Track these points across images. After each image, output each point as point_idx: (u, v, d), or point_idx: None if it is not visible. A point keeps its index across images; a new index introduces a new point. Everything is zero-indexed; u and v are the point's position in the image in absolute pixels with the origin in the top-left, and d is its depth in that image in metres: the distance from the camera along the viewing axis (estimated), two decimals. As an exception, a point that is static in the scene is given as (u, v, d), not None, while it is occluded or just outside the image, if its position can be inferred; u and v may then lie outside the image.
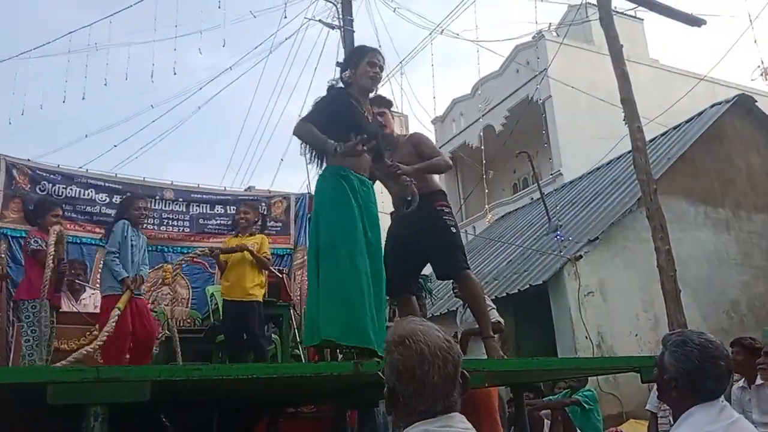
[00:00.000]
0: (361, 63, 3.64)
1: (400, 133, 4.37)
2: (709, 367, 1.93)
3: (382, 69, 3.73)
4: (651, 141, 11.00)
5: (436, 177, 4.21)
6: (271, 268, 5.90)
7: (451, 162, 4.19)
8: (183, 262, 6.19)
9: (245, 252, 5.42)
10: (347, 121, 3.50)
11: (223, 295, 5.51)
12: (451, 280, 5.84)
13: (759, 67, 9.51)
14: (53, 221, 5.27)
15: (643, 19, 18.46)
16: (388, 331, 1.48)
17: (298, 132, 3.58)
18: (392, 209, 4.12)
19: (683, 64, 23.12)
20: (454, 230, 4.03)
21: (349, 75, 3.64)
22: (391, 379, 1.40)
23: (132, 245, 5.17)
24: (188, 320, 6.33)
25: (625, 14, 14.54)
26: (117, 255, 5.07)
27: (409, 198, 3.67)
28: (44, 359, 4.82)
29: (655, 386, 5.59)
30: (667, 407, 5.42)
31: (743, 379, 4.72)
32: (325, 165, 3.58)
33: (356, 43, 11.34)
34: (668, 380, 2.00)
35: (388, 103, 4.22)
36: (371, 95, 3.84)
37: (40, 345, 4.83)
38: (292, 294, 6.77)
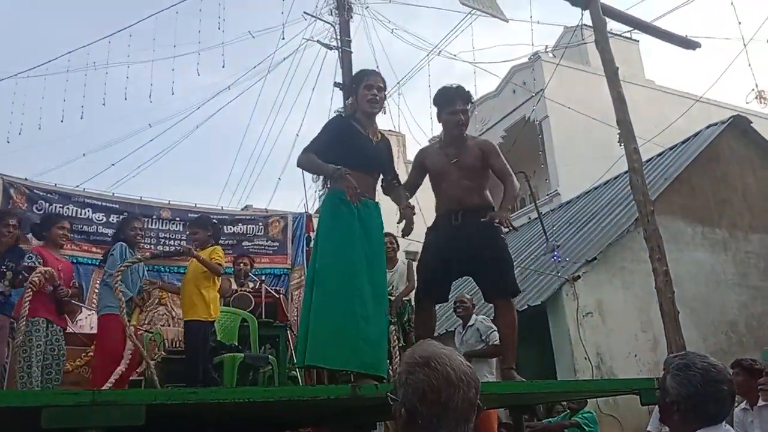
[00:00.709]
0: (360, 88, 3.74)
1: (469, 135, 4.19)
2: (712, 392, 1.92)
3: (380, 89, 3.78)
4: (647, 161, 11.03)
5: (488, 192, 4.08)
6: (221, 272, 5.65)
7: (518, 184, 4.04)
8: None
9: (189, 271, 5.26)
10: (348, 145, 3.55)
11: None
12: (451, 303, 5.79)
13: (753, 90, 9.57)
14: (59, 233, 5.24)
15: (638, 41, 18.62)
16: (408, 351, 1.45)
17: (301, 164, 3.66)
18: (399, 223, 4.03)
19: (679, 85, 23.33)
20: (509, 251, 4.01)
21: (351, 102, 3.77)
22: (413, 400, 1.34)
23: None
24: (180, 340, 6.27)
25: (621, 36, 14.65)
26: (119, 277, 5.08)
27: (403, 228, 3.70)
28: (20, 378, 4.69)
29: (657, 407, 5.57)
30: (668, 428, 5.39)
31: (745, 400, 4.69)
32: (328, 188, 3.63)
33: (354, 63, 11.47)
34: (670, 403, 1.98)
35: (469, 98, 4.10)
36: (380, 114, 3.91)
37: (19, 366, 4.73)
38: (289, 314, 6.73)
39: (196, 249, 5.34)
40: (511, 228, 3.75)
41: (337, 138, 3.60)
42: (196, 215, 7.66)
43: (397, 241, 6.00)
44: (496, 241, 3.88)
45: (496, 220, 3.68)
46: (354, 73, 4.08)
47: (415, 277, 5.74)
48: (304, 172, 3.83)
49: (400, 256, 6.35)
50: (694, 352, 2.12)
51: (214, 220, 6.25)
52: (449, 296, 4.22)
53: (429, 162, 4.08)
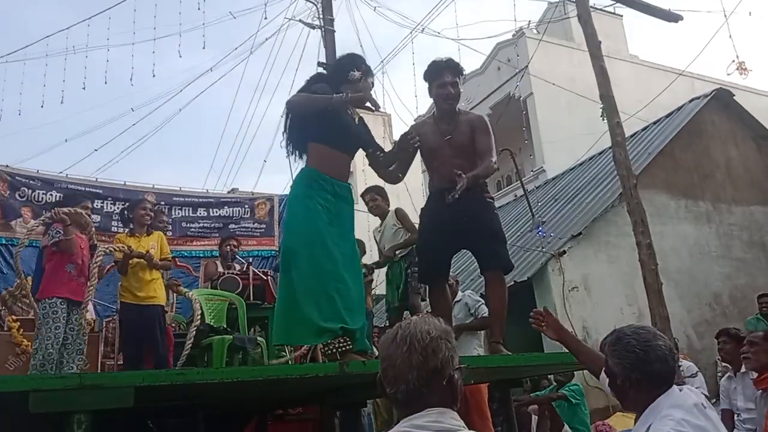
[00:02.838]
0: (369, 77, 3.75)
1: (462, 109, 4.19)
2: (650, 351, 1.98)
3: None
4: (631, 136, 11.09)
5: None
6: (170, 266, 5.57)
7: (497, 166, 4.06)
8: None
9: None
10: (334, 122, 3.49)
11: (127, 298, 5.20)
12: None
13: (734, 61, 9.59)
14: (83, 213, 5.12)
15: (622, 16, 18.62)
16: None
17: (295, 103, 3.50)
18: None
19: (663, 60, 23.33)
20: (502, 228, 4.04)
21: (359, 78, 3.66)
22: None
23: None
24: (173, 324, 6.28)
25: (604, 11, 14.64)
26: None
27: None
28: (32, 360, 4.64)
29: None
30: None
31: (731, 369, 4.82)
32: (303, 166, 3.58)
33: (337, 43, 11.36)
34: (621, 384, 2.02)
35: (459, 70, 4.07)
36: None
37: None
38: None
39: (139, 226, 5.25)
40: (462, 184, 3.61)
41: (326, 110, 3.51)
42: (181, 198, 7.66)
43: (384, 195, 5.67)
44: (489, 218, 3.92)
45: (459, 185, 3.60)
46: (354, 54, 3.94)
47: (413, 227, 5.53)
48: (289, 155, 3.72)
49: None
50: (623, 326, 2.16)
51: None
52: (447, 273, 4.21)
53: (422, 139, 4.00)
